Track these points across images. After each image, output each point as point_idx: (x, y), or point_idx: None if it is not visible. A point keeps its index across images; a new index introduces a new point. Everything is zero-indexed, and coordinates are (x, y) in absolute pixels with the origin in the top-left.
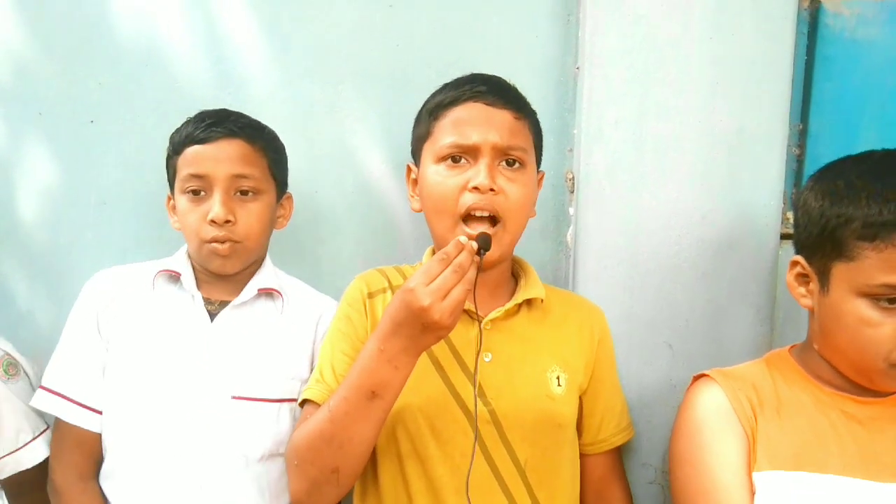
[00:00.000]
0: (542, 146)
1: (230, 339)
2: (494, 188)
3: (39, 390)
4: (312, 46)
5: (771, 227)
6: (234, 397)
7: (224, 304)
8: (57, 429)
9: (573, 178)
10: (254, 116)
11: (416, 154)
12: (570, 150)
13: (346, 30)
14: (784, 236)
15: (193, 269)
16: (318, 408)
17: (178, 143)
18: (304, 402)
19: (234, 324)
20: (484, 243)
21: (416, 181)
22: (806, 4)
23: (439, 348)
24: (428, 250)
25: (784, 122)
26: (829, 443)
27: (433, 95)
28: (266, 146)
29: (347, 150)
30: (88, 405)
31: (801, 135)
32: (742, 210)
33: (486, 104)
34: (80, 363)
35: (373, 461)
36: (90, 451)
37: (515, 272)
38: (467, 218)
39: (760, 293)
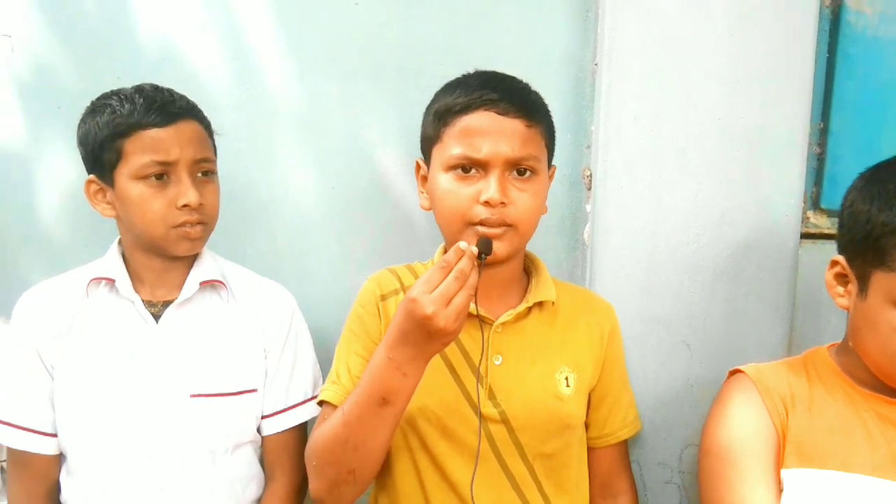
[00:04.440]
0: (554, 143)
1: (179, 338)
2: (505, 201)
3: None
4: (327, 41)
5: (791, 226)
6: (192, 395)
7: (167, 303)
8: (9, 456)
9: (590, 174)
10: (270, 112)
11: (426, 153)
12: (587, 147)
13: (360, 25)
14: (804, 236)
15: (128, 270)
16: (334, 409)
17: (125, 126)
18: (321, 403)
19: (181, 322)
20: (485, 247)
21: (425, 178)
22: (828, 2)
23: (451, 351)
24: (440, 248)
25: (805, 121)
26: (860, 443)
27: (441, 95)
28: (209, 126)
29: (361, 146)
30: (37, 429)
31: (821, 133)
32: (762, 209)
33: (498, 113)
34: (24, 390)
35: (387, 456)
36: (43, 474)
37: (527, 269)
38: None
39: (780, 293)
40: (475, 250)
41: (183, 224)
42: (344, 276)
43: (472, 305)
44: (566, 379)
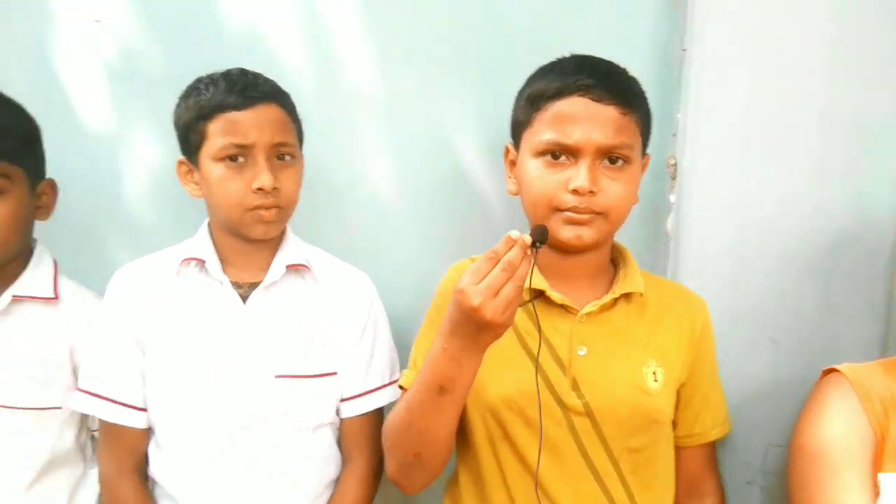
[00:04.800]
0: (650, 131)
1: (265, 320)
2: (595, 190)
3: (77, 392)
4: (408, 27)
5: (890, 220)
6: (277, 376)
7: (253, 285)
8: (101, 427)
9: (675, 163)
10: (349, 98)
11: (516, 137)
12: (672, 135)
13: (442, 10)
14: None
15: (216, 250)
16: None
17: (208, 108)
18: (401, 387)
19: (267, 305)
20: (540, 235)
21: (514, 163)
22: None
23: (532, 339)
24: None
25: None
26: None
27: (535, 79)
28: (293, 111)
29: (441, 133)
30: (128, 403)
31: None
32: (859, 201)
33: (592, 99)
34: (116, 365)
35: (467, 443)
36: (132, 447)
37: (615, 259)
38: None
39: (876, 289)
40: (527, 239)
41: (257, 207)
42: (419, 263)
43: (557, 294)
44: (654, 373)
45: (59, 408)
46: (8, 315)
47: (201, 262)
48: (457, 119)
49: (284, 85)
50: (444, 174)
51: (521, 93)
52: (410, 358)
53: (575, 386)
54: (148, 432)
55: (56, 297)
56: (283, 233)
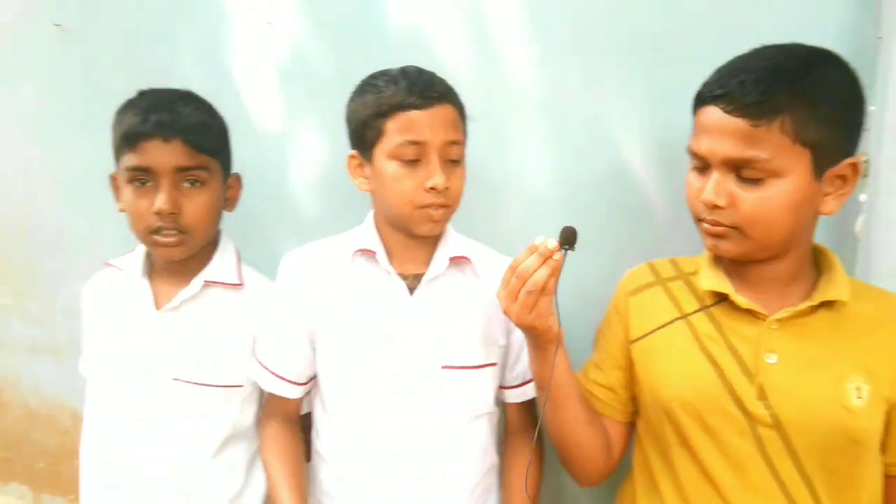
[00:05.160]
0: (830, 137)
1: (431, 311)
2: (720, 204)
3: (253, 360)
4: (574, 18)
5: None
6: (443, 367)
7: (417, 277)
8: (269, 399)
9: (867, 160)
10: (509, 93)
11: None
12: (865, 130)
13: (613, 4)
14: None
15: (382, 241)
16: None
17: (387, 106)
18: None
19: (432, 297)
20: (567, 238)
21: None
22: None
23: (714, 344)
24: None
25: None
26: None
27: (711, 77)
28: (463, 111)
29: (603, 128)
30: (289, 378)
31: None
32: None
33: (723, 110)
34: (283, 342)
35: (640, 445)
36: (287, 408)
37: (819, 264)
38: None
39: None
40: (550, 245)
41: (428, 206)
42: (574, 263)
43: (742, 298)
44: (857, 389)
45: (241, 386)
46: (199, 298)
47: (371, 253)
48: (622, 115)
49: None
50: (606, 173)
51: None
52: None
53: (762, 395)
54: (301, 401)
55: (241, 284)
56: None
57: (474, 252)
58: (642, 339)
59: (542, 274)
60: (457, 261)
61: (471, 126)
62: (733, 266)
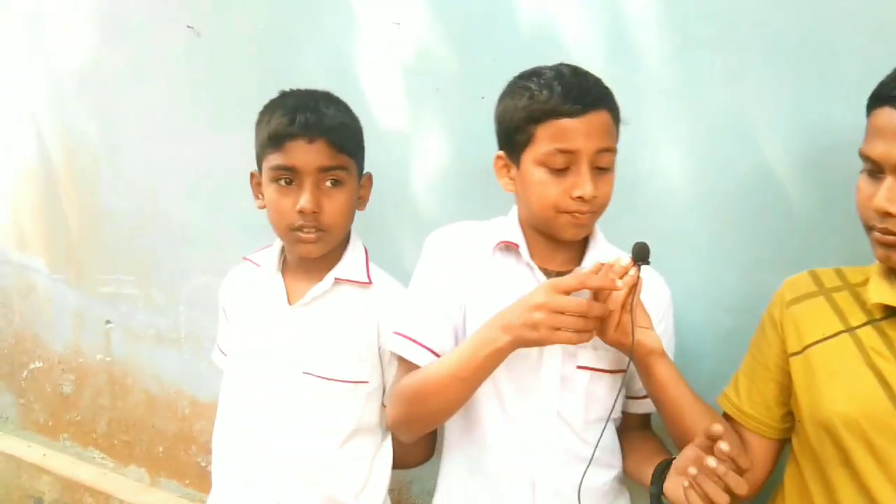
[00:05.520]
0: None
1: None
2: (893, 211)
3: (394, 335)
4: (714, 11)
5: None
6: (578, 367)
7: (560, 275)
8: (400, 368)
9: None
10: (644, 88)
11: None
12: None
13: None
14: None
15: (525, 237)
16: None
17: (540, 112)
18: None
19: (579, 296)
20: (640, 254)
21: None
22: None
23: (883, 360)
24: None
25: None
26: None
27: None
28: (619, 116)
29: (745, 128)
30: (434, 350)
31: None
32: None
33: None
34: (432, 312)
35: (794, 460)
36: None
37: None
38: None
39: None
40: (624, 262)
41: (574, 212)
42: (708, 267)
43: None
44: None
45: (367, 382)
46: (330, 295)
47: (514, 247)
48: (765, 113)
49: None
50: (747, 175)
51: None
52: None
53: None
54: None
55: (370, 282)
56: (593, 229)
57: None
58: (802, 351)
59: (620, 292)
60: None
61: None
62: None
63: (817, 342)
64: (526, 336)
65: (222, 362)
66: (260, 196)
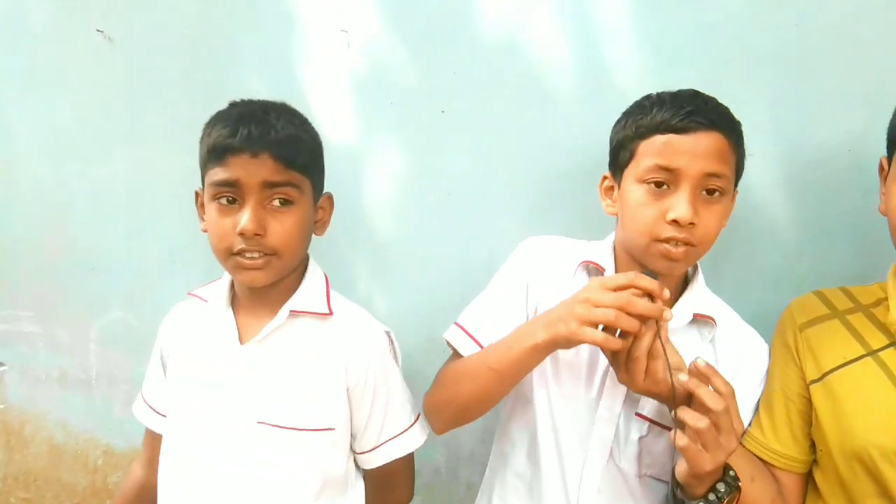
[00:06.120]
0: None
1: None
2: None
3: (454, 326)
4: (690, 27)
5: None
6: (637, 414)
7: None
8: (451, 358)
9: None
10: (619, 106)
11: (891, 148)
12: None
13: (734, 8)
14: None
15: (615, 262)
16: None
17: (645, 128)
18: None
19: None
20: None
21: (888, 178)
22: None
23: None
24: (893, 267)
25: None
26: None
27: None
28: (739, 141)
29: None
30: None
31: None
32: None
33: None
34: (498, 314)
35: (820, 498)
36: None
37: None
38: None
39: None
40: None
41: (667, 241)
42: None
43: None
44: None
45: (333, 429)
46: (286, 330)
47: (600, 269)
48: (747, 127)
49: (544, 96)
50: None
51: None
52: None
53: None
54: None
55: (331, 313)
56: (692, 272)
57: (721, 314)
58: (822, 378)
59: (646, 340)
60: (700, 318)
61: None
62: None
63: (838, 367)
64: (559, 331)
65: (149, 419)
66: (203, 217)
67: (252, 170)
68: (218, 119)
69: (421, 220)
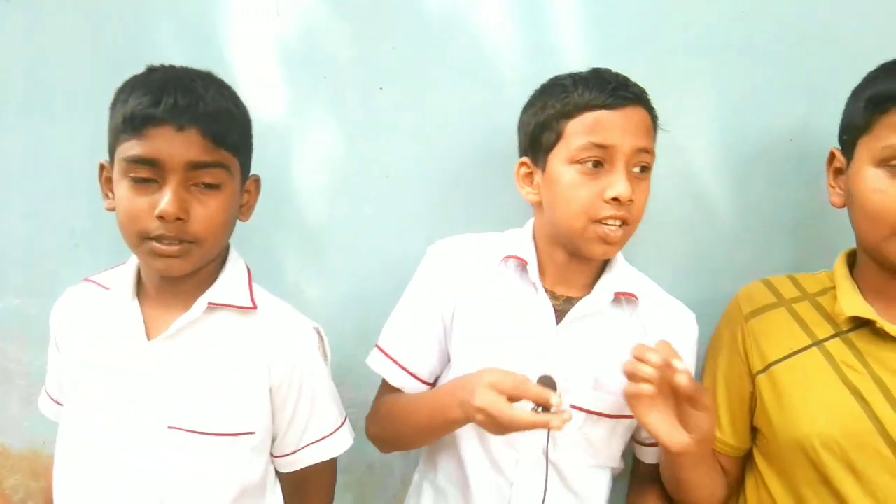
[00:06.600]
0: None
1: (579, 348)
2: None
3: (375, 350)
4: (638, 13)
5: None
6: (572, 406)
7: (569, 301)
8: (383, 383)
9: None
10: None
11: (848, 145)
12: None
13: None
14: None
15: (537, 253)
16: None
17: (573, 106)
18: None
19: (584, 332)
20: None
21: (839, 171)
22: None
23: (857, 375)
24: (841, 257)
25: None
26: None
27: (873, 80)
28: (656, 119)
29: (668, 130)
30: (415, 373)
31: None
32: None
33: None
34: (416, 332)
35: (762, 484)
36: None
37: None
38: None
39: None
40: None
41: (606, 220)
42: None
43: (893, 326)
44: None
45: (253, 433)
46: (203, 325)
47: (523, 263)
48: (688, 119)
49: (485, 73)
50: (668, 180)
51: (854, 97)
52: None
53: None
54: None
55: (254, 307)
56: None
57: (643, 289)
58: (768, 369)
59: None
60: (623, 296)
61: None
62: (870, 285)
63: (785, 357)
64: (474, 420)
65: (56, 415)
66: (109, 194)
67: (177, 145)
68: (136, 84)
69: (355, 205)
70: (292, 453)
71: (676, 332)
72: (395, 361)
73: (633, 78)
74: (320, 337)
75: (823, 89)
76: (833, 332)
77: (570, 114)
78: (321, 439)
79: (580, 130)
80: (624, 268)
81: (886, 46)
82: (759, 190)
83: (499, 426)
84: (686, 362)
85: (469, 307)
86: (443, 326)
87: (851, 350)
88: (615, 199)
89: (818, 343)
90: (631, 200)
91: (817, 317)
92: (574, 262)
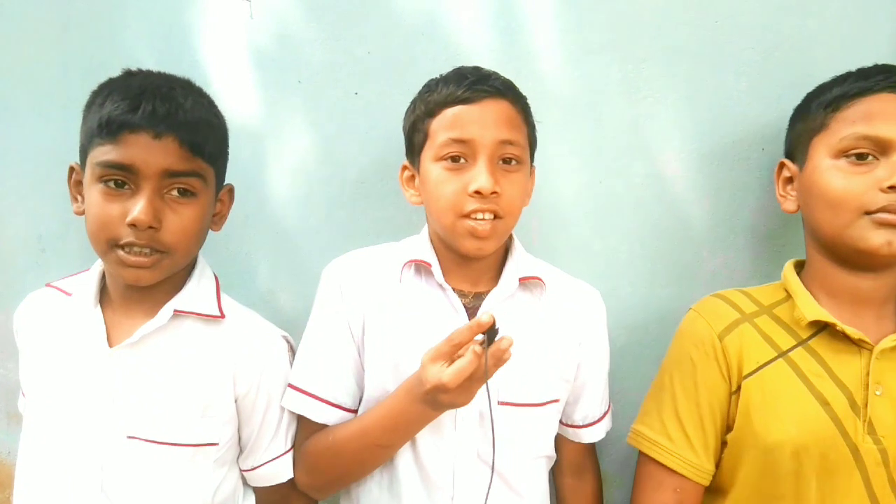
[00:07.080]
0: None
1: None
2: None
3: (289, 390)
4: (614, 20)
5: None
6: (500, 403)
7: (478, 296)
8: (302, 426)
9: None
10: (538, 94)
11: (801, 147)
12: None
13: (655, 3)
14: None
15: (437, 255)
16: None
17: (434, 104)
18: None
19: (504, 317)
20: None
21: (790, 179)
22: None
23: (822, 381)
24: (789, 264)
25: None
26: None
27: (828, 87)
28: (526, 110)
29: (641, 136)
30: (339, 404)
31: None
32: None
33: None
34: (329, 360)
35: (721, 489)
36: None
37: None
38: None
39: None
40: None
41: (472, 214)
42: (600, 280)
43: (852, 329)
44: None
45: (216, 444)
46: (168, 333)
47: (426, 266)
48: (660, 122)
49: None
50: (640, 183)
51: (807, 103)
52: (652, 414)
53: (871, 430)
54: None
55: (222, 316)
56: (510, 242)
57: (547, 273)
58: (738, 388)
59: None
60: (527, 281)
61: None
62: (823, 290)
63: (753, 372)
64: (455, 405)
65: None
66: (79, 198)
67: (153, 153)
68: (113, 88)
69: (329, 211)
70: (261, 465)
71: (585, 311)
72: (314, 397)
73: (607, 84)
74: (290, 346)
75: (794, 100)
76: (795, 342)
77: (432, 112)
78: (289, 451)
79: (442, 127)
80: (525, 256)
81: (856, 56)
82: (731, 198)
83: (460, 387)
84: (597, 338)
85: (378, 318)
86: (355, 345)
87: (814, 357)
88: (477, 192)
89: (783, 354)
90: (495, 193)
91: (777, 328)
92: (470, 259)
